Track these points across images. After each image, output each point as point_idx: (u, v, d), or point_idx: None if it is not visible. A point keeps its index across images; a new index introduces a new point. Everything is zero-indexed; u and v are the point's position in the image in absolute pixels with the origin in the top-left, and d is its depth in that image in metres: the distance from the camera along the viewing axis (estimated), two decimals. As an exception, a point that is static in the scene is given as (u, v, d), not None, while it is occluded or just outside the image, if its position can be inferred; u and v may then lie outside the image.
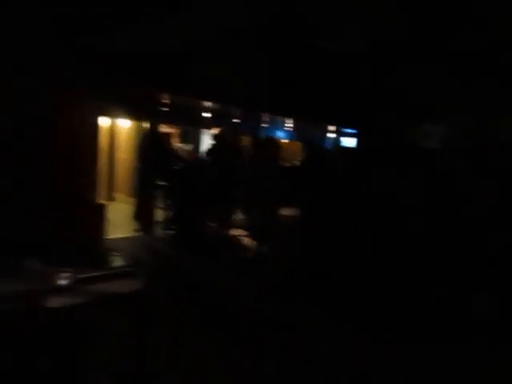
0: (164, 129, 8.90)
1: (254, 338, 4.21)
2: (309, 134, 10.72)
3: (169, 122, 9.38)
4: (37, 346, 2.81)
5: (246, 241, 7.28)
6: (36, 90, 4.19)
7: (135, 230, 7.64)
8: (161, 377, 3.31)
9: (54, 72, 4.31)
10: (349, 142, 10.54)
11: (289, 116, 10.27)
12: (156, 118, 8.06)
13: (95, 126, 5.24)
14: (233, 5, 3.40)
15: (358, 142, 8.22)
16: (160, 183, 7.86)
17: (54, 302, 2.63)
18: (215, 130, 8.93)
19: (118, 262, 3.48)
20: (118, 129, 10.56)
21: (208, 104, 9.59)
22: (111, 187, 10.09)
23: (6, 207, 3.90)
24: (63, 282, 2.76)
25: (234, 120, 10.30)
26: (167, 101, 8.44)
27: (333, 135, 11.58)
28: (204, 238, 7.40)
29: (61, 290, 2.74)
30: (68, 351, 3.04)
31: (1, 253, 3.08)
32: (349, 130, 10.57)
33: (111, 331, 3.29)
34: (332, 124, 10.48)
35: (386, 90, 6.70)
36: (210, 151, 8.04)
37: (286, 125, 11.32)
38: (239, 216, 7.85)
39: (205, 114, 10.12)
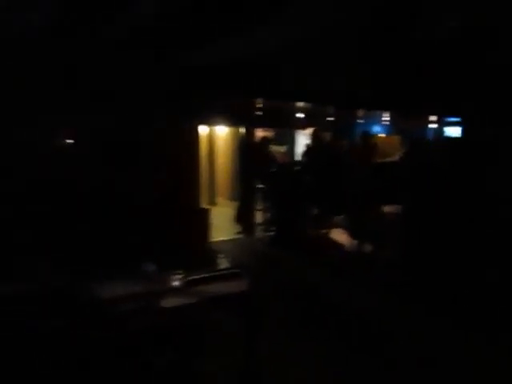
0: (259, 132, 9.05)
1: (364, 340, 4.08)
2: (408, 127, 10.18)
3: (263, 125, 9.52)
4: (153, 344, 2.98)
5: (347, 240, 7.10)
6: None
7: (237, 233, 7.86)
8: (270, 376, 3.34)
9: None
10: (453, 131, 9.79)
11: (389, 109, 9.85)
12: (251, 122, 8.23)
13: (196, 135, 5.50)
14: (329, 1, 3.34)
15: (466, 131, 7.59)
16: (258, 186, 8.00)
17: (169, 302, 2.77)
18: (309, 130, 8.87)
19: (224, 263, 3.59)
20: (217, 135, 10.98)
21: (301, 104, 9.56)
22: (213, 192, 10.51)
23: (121, 214, 4.24)
24: (176, 284, 2.91)
25: (329, 118, 10.15)
26: (261, 105, 8.58)
27: (434, 125, 10.85)
28: (303, 238, 7.37)
29: (174, 291, 2.89)
30: (182, 350, 3.19)
31: (120, 257, 3.35)
32: (452, 119, 9.83)
33: (222, 330, 3.40)
34: (435, 113, 9.82)
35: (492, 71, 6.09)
36: (306, 151, 8.01)
37: (382, 118, 10.87)
38: (339, 215, 7.69)
39: (298, 115, 10.10)
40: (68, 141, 4.93)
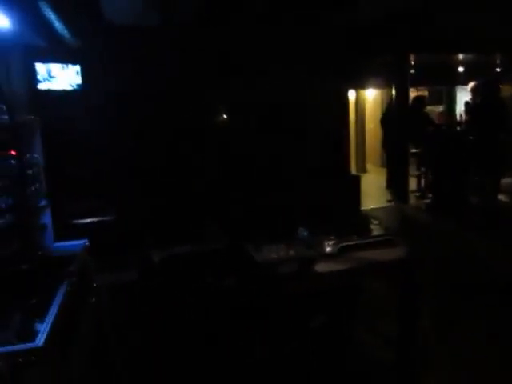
0: (412, 92, 8.43)
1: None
2: None
3: (417, 84, 8.82)
4: (308, 308, 3.09)
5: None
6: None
7: (388, 200, 7.56)
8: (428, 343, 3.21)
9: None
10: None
11: None
12: (403, 82, 7.69)
13: (345, 100, 5.37)
14: None
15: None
16: (412, 150, 7.52)
17: (323, 267, 2.82)
18: (472, 85, 7.92)
19: (377, 230, 3.49)
20: (365, 99, 10.57)
21: (461, 57, 8.56)
22: (362, 158, 10.25)
23: (277, 180, 4.43)
24: (330, 250, 2.94)
25: (496, 70, 8.91)
26: (413, 62, 7.94)
27: None
28: (466, 205, 6.73)
29: (328, 257, 2.92)
30: (335, 313, 3.24)
31: (274, 223, 3.50)
32: None
33: (376, 297, 3.36)
34: None
35: None
36: (469, 109, 7.20)
37: None
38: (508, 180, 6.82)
39: (459, 69, 9.10)
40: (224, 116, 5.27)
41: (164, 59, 4.80)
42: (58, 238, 2.69)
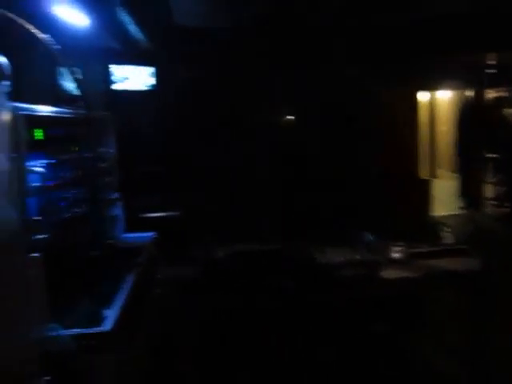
0: (490, 94, 7.90)
1: None
2: None
3: (496, 84, 8.26)
4: (372, 312, 2.97)
5: None
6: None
7: (461, 208, 7.13)
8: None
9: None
10: None
11: None
12: (480, 82, 7.23)
13: (414, 101, 5.14)
14: None
15: None
16: (488, 155, 7.05)
17: (389, 273, 2.71)
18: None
19: (448, 238, 3.31)
20: (437, 101, 10.08)
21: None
22: (433, 163, 9.77)
23: (343, 183, 4.34)
24: (397, 255, 2.82)
25: None
26: (493, 61, 7.43)
27: None
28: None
29: (395, 263, 2.80)
30: (399, 322, 3.10)
31: (340, 226, 3.42)
32: None
33: (444, 307, 3.17)
34: None
35: None
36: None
37: None
38: None
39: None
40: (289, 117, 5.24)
41: (233, 60, 4.87)
42: (129, 230, 2.79)
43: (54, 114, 1.66)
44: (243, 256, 4.21)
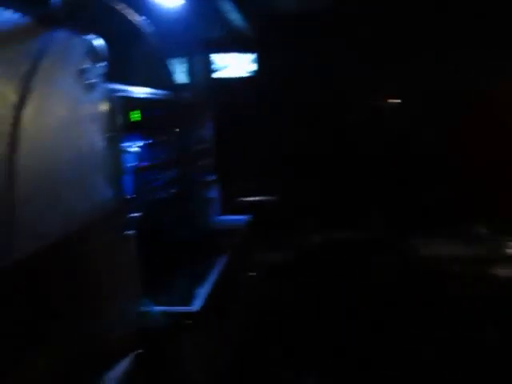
0: None
1: None
2: None
3: None
4: (485, 312, 2.67)
5: None
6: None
7: None
8: None
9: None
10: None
11: None
12: None
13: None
14: None
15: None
16: None
17: (503, 271, 2.42)
18: None
19: None
20: None
21: None
22: None
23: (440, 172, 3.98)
24: (514, 251, 2.50)
25: None
26: None
27: None
28: None
29: (510, 260, 2.49)
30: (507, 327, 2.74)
31: (450, 219, 3.13)
32: None
33: None
34: None
35: None
36: None
37: None
38: None
39: None
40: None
41: (333, 46, 4.68)
42: (226, 213, 2.82)
43: (150, 96, 1.69)
44: (340, 244, 4.09)
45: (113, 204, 1.39)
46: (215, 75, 4.90)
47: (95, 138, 1.31)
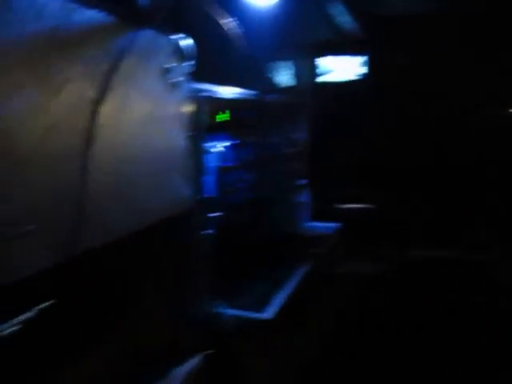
0: None
1: None
2: None
3: None
4: None
5: None
6: None
7: None
8: None
9: None
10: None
11: None
12: None
13: None
14: None
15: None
16: None
17: None
18: None
19: None
20: None
21: None
22: None
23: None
24: None
25: None
26: None
27: None
28: None
29: None
30: None
31: None
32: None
33: None
34: None
35: None
36: None
37: None
38: None
39: None
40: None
41: (443, 48, 4.30)
42: (319, 219, 2.72)
43: (239, 97, 1.68)
44: (438, 262, 3.78)
45: (191, 203, 1.39)
46: (320, 79, 4.83)
47: (176, 137, 1.32)
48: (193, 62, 1.37)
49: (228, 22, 1.37)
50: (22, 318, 0.94)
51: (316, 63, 4.86)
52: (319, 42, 4.55)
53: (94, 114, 0.98)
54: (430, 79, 4.53)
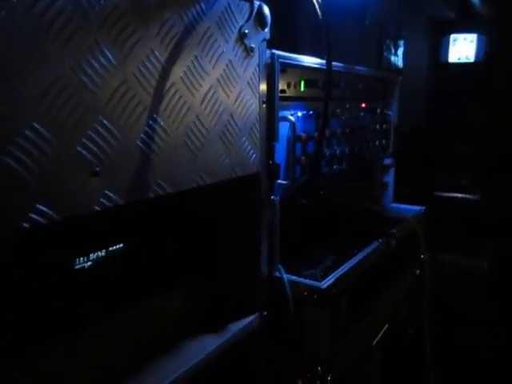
0: None
1: None
2: None
3: None
4: None
5: None
6: None
7: None
8: None
9: None
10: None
11: None
12: None
13: None
14: None
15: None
16: None
17: None
18: None
19: None
20: None
21: None
22: None
23: None
24: None
25: None
26: None
27: None
28: None
29: None
30: None
31: None
32: None
33: None
34: None
35: None
36: None
37: None
38: None
39: None
40: None
41: None
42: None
43: (318, 66, 1.66)
44: None
45: (258, 167, 1.44)
46: (443, 60, 4.54)
47: (249, 102, 1.37)
48: (269, 29, 1.39)
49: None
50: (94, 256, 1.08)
51: (434, 42, 4.57)
52: (440, 18, 4.26)
53: (164, 72, 1.05)
54: None
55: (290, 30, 1.43)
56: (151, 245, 1.25)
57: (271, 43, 1.42)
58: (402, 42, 3.01)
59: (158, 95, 1.04)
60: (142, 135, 1.01)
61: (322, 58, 1.54)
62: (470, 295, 3.58)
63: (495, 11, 4.08)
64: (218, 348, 1.32)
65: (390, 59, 2.93)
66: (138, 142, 1.00)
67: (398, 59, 3.03)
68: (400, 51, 3.02)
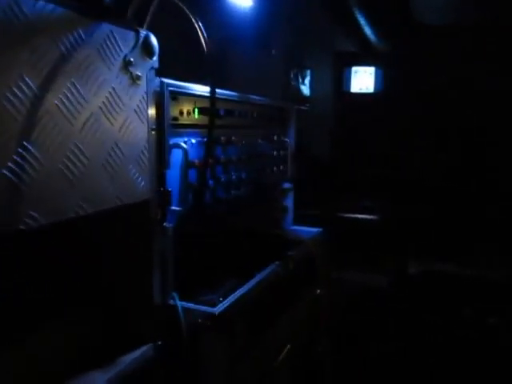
0: None
1: None
2: None
3: None
4: None
5: None
6: None
7: None
8: None
9: None
10: None
11: None
12: None
13: None
14: None
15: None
16: None
17: None
18: None
19: None
20: None
21: None
22: None
23: None
24: None
25: None
26: None
27: None
28: None
29: None
30: None
31: None
32: None
33: None
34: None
35: None
36: None
37: None
38: None
39: None
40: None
41: (475, 62, 4.26)
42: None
43: (207, 94, 1.71)
44: (441, 277, 3.77)
45: (149, 195, 1.43)
46: (344, 90, 4.87)
47: (136, 130, 1.36)
48: (156, 58, 1.41)
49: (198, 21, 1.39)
50: None
51: (338, 73, 4.90)
52: (343, 52, 4.58)
53: (37, 99, 1.02)
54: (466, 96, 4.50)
55: (192, 58, 1.46)
56: (28, 278, 1.18)
57: (173, 71, 1.44)
58: (308, 72, 3.19)
59: (30, 123, 1.00)
60: (9, 163, 0.96)
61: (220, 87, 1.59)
62: (372, 309, 3.80)
63: (390, 47, 4.50)
64: (106, 384, 1.27)
65: (298, 87, 3.08)
66: (5, 171, 0.95)
67: (305, 88, 3.20)
68: (307, 80, 3.20)
